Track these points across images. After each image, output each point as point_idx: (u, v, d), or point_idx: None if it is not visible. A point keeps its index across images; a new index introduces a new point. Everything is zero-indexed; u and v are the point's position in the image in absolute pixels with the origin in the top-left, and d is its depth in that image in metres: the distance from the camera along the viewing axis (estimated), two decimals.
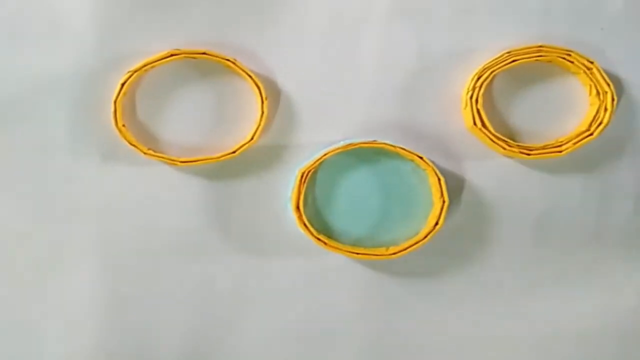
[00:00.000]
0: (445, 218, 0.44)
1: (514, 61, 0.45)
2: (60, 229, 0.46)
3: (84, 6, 0.45)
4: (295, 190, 0.45)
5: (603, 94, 0.46)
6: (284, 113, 0.46)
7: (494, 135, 0.46)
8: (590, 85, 0.46)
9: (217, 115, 0.46)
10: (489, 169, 0.46)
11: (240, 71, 0.45)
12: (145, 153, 0.45)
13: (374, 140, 0.44)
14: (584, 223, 0.47)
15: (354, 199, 0.46)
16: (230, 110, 0.46)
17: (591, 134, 0.46)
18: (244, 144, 0.45)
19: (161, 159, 0.45)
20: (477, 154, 0.46)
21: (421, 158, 0.46)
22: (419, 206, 0.47)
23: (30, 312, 0.47)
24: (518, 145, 0.45)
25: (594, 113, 0.46)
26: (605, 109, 0.46)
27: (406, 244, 0.45)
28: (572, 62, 0.45)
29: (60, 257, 0.46)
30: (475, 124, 0.45)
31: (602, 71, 0.46)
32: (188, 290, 0.46)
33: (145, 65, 0.44)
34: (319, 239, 0.46)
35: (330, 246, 0.45)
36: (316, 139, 0.46)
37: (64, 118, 0.46)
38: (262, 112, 0.45)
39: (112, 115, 0.44)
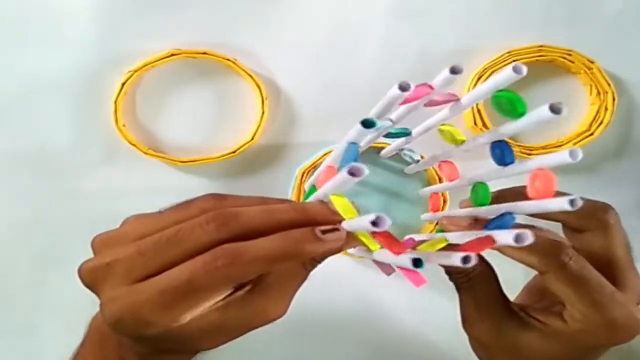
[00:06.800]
0: None
1: (514, 61, 0.45)
2: (60, 228, 0.46)
3: (85, 7, 0.45)
4: (295, 190, 0.45)
5: (604, 93, 0.46)
6: (284, 113, 0.46)
7: None
8: (591, 85, 0.46)
9: (217, 115, 0.46)
10: (489, 169, 0.46)
11: (241, 71, 0.45)
12: (145, 153, 0.45)
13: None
14: None
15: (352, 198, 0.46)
16: (230, 110, 0.46)
17: (592, 134, 0.46)
18: (244, 144, 0.45)
19: (161, 158, 0.45)
20: (477, 153, 0.46)
21: (422, 157, 0.46)
22: (420, 206, 0.47)
23: (30, 311, 0.46)
24: (519, 145, 0.45)
25: (594, 113, 0.46)
26: (606, 109, 0.46)
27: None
28: (572, 62, 0.45)
29: (61, 256, 0.46)
30: (475, 123, 0.45)
31: (602, 71, 0.46)
32: None
33: (145, 65, 0.44)
34: None
35: None
36: (316, 139, 0.46)
37: (65, 118, 0.46)
38: (262, 112, 0.45)
39: (112, 115, 0.44)
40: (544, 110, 0.23)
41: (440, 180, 0.45)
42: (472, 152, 0.33)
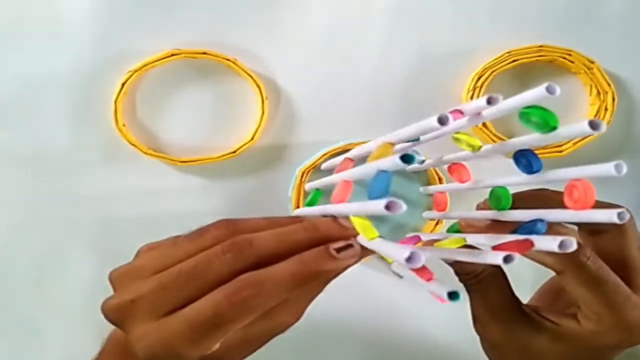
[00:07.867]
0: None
1: (514, 61, 0.45)
2: (61, 228, 0.46)
3: (85, 6, 0.45)
4: (295, 190, 0.45)
5: (603, 93, 0.46)
6: (284, 113, 0.46)
7: (494, 135, 0.46)
8: (591, 85, 0.46)
9: (217, 115, 0.46)
10: (490, 169, 0.46)
11: (241, 71, 0.45)
12: (145, 153, 0.45)
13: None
14: None
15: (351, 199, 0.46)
16: (230, 110, 0.46)
17: (591, 134, 0.46)
18: (244, 144, 0.45)
19: (161, 158, 0.45)
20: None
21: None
22: (420, 206, 0.47)
23: (30, 311, 0.47)
24: None
25: (594, 113, 0.46)
26: (606, 109, 0.46)
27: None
28: (572, 62, 0.45)
29: (61, 256, 0.46)
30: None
31: (602, 71, 0.46)
32: None
33: (145, 65, 0.44)
34: None
35: None
36: (316, 138, 0.46)
37: (64, 118, 0.46)
38: (262, 112, 0.45)
39: (112, 115, 0.44)
40: (583, 126, 0.23)
41: (440, 181, 0.45)
42: (482, 156, 0.33)
